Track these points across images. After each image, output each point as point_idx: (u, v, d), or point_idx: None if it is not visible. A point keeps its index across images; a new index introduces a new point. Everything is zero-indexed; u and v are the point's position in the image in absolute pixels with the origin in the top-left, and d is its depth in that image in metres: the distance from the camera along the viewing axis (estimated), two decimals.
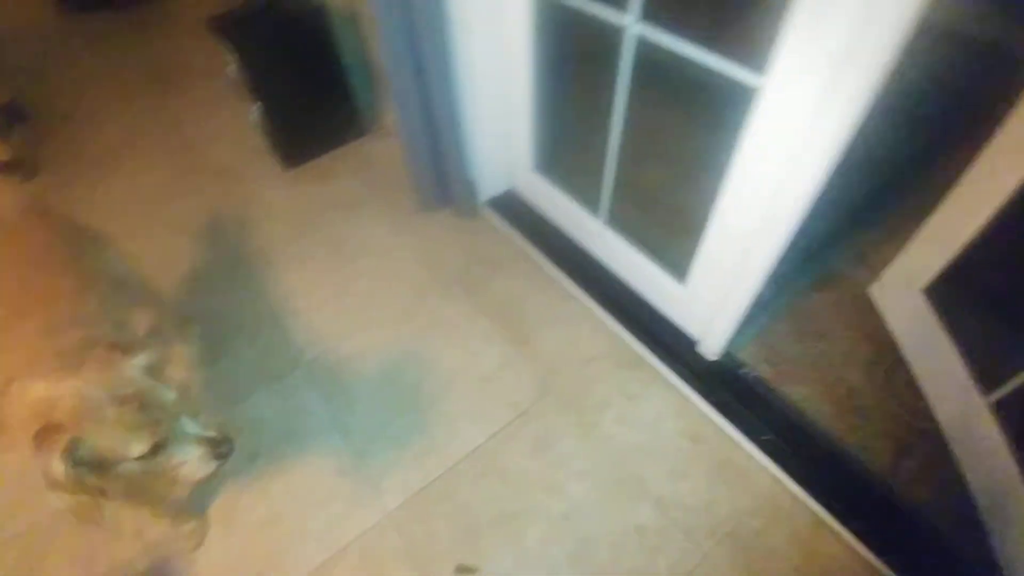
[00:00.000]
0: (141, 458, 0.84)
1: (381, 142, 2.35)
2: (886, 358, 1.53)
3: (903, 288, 1.51)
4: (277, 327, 1.73)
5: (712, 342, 1.43)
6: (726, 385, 1.44)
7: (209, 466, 0.92)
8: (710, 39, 1.03)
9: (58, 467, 0.77)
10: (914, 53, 2.53)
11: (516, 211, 1.90)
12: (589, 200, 1.64)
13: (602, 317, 1.64)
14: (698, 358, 1.48)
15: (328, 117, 2.24)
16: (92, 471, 0.81)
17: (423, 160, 1.78)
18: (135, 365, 0.88)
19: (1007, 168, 1.15)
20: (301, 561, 1.28)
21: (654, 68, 1.20)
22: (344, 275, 1.86)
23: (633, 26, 1.15)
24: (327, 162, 2.29)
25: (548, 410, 1.49)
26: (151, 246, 1.99)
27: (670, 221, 1.53)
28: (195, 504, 1.36)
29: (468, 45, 1.49)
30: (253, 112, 2.16)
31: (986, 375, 1.26)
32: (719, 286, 1.31)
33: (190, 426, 0.91)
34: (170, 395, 0.90)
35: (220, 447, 0.93)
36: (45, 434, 0.77)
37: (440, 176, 1.83)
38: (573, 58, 1.61)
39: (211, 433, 0.93)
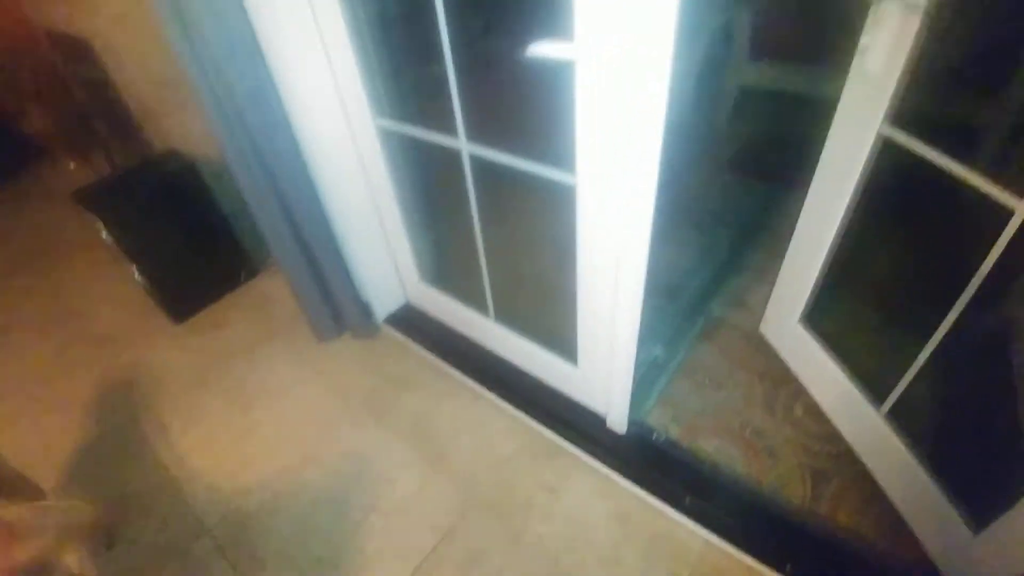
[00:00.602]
0: None
1: (274, 279, 2.34)
2: (783, 392, 1.61)
3: (784, 322, 1.63)
4: (175, 495, 1.58)
5: (617, 415, 1.45)
6: (640, 454, 1.45)
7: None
8: (531, 148, 1.15)
9: None
10: (745, 115, 2.86)
11: (415, 323, 1.92)
12: (476, 300, 1.69)
13: (512, 413, 1.64)
14: (609, 434, 1.49)
15: (215, 265, 2.23)
16: None
17: (311, 292, 1.78)
18: None
19: (833, 197, 1.31)
20: None
21: (497, 174, 1.31)
22: (245, 423, 1.76)
23: (464, 147, 1.27)
24: (220, 309, 2.25)
25: (473, 524, 1.42)
26: (35, 428, 1.82)
27: (550, 307, 1.60)
28: None
29: (331, 181, 1.57)
30: (135, 274, 2.11)
31: (874, 388, 1.35)
32: (604, 359, 1.36)
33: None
34: None
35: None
36: None
37: (332, 304, 1.83)
38: (432, 174, 1.73)
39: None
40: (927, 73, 1.07)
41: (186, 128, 2.16)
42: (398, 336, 1.92)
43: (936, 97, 1.32)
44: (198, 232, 2.14)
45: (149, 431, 1.79)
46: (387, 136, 1.53)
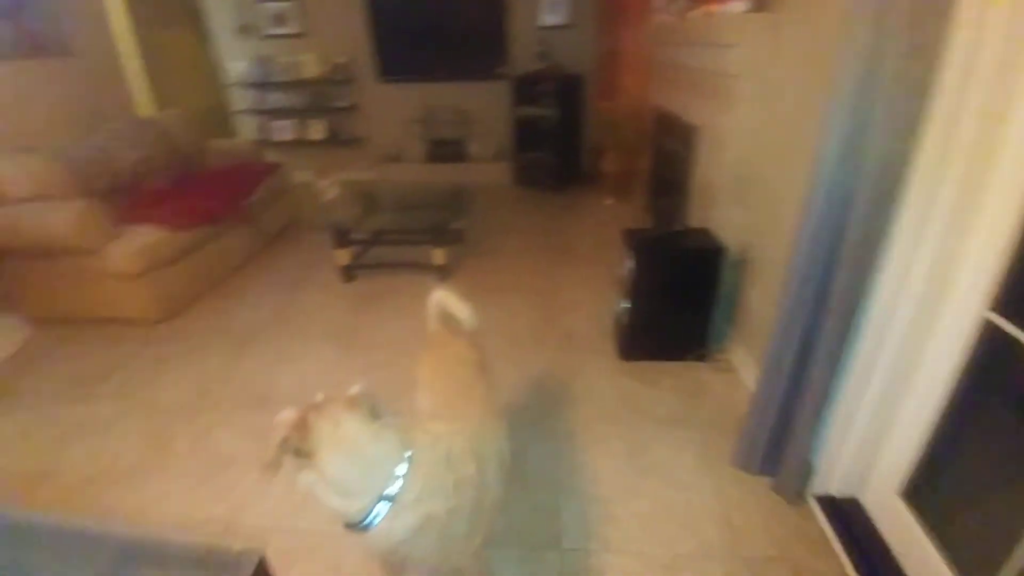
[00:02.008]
0: None
1: (715, 375, 2.34)
2: None
3: None
4: (552, 499, 1.77)
5: None
6: None
7: None
8: None
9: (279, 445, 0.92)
10: None
11: (854, 526, 1.55)
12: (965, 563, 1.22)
13: None
14: None
15: (679, 331, 2.39)
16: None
17: (766, 413, 1.67)
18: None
19: None
20: None
21: None
22: (629, 485, 1.81)
23: None
24: (658, 369, 2.40)
25: None
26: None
27: None
28: None
29: (871, 339, 1.40)
30: (619, 305, 2.48)
31: None
32: None
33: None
34: None
35: None
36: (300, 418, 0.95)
37: (777, 440, 1.67)
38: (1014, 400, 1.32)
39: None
40: None
41: (728, 218, 2.36)
42: (825, 524, 1.60)
43: None
44: (687, 299, 2.33)
45: (559, 430, 2.06)
46: (983, 330, 1.24)
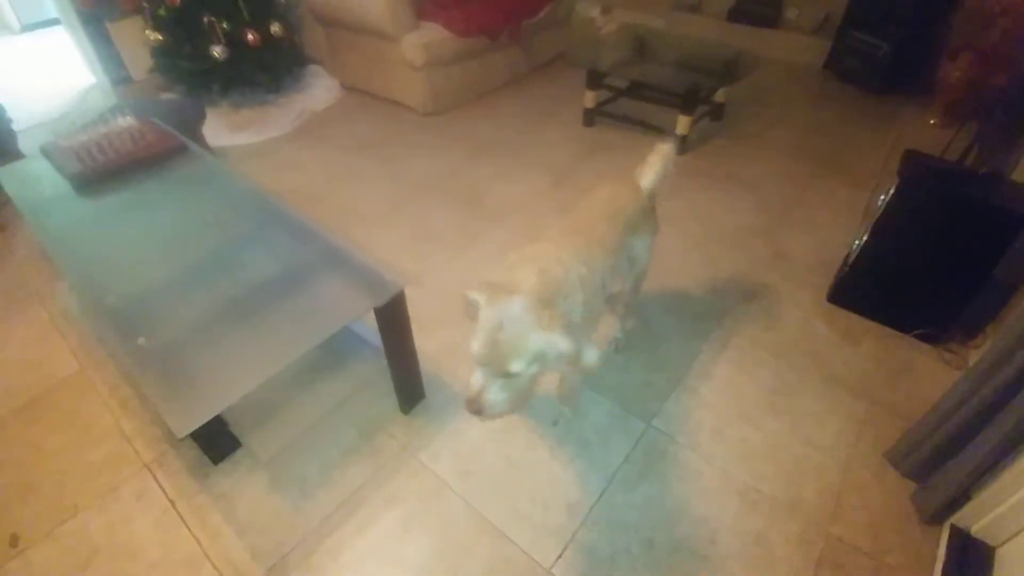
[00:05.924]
0: None
1: (937, 365, 1.87)
2: None
3: None
4: (669, 386, 1.78)
5: None
6: None
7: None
8: None
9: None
10: None
11: (970, 569, 1.25)
12: None
13: None
14: None
15: (916, 297, 1.92)
16: None
17: (948, 424, 1.33)
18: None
19: None
20: None
21: None
22: (753, 415, 1.70)
23: None
24: (866, 328, 2.01)
25: None
26: (677, 259, 2.31)
27: None
28: None
29: None
30: (856, 239, 2.06)
31: None
32: None
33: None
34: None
35: None
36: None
37: (942, 454, 1.35)
38: None
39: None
40: None
41: None
42: (940, 552, 1.31)
43: None
44: (945, 263, 1.81)
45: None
46: None
